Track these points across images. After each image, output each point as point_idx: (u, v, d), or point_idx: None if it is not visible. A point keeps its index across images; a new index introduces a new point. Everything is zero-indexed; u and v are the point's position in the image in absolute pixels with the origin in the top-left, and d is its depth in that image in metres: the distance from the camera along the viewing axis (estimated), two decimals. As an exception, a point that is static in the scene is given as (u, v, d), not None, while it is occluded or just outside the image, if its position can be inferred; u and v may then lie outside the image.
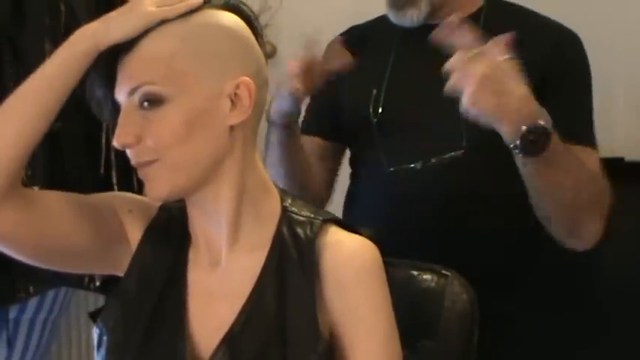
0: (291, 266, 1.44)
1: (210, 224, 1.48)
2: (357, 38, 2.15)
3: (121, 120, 1.41)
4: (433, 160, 1.95)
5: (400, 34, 2.07)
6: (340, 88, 2.09)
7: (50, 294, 2.42)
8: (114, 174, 2.46)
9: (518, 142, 1.68)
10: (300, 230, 1.46)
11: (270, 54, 2.99)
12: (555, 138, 1.71)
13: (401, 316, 1.57)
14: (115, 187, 2.45)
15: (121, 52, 1.42)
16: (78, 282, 2.42)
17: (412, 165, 1.96)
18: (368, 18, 2.22)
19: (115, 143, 1.41)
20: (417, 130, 1.97)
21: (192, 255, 1.51)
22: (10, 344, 2.34)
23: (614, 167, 2.44)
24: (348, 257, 1.44)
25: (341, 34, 2.18)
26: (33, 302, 2.36)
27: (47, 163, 2.27)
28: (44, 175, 2.25)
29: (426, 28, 1.99)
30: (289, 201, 1.51)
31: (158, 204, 1.54)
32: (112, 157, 2.45)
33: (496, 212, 1.96)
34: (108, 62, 1.43)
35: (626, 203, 2.54)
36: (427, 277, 1.68)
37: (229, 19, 1.46)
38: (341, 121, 2.12)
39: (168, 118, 1.39)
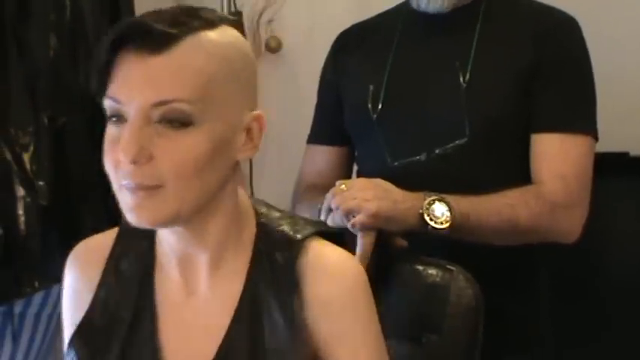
0: (269, 295, 1.34)
1: (191, 251, 1.36)
2: (356, 36, 2.15)
3: (132, 131, 1.23)
4: (437, 151, 1.95)
5: (400, 29, 2.07)
6: (341, 88, 2.10)
7: (55, 289, 2.41)
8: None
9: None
10: (278, 253, 1.36)
11: (275, 49, 2.99)
12: (455, 211, 1.78)
13: (406, 310, 1.58)
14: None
15: (147, 49, 1.25)
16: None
17: (417, 157, 1.96)
18: (372, 12, 2.22)
19: (124, 157, 1.24)
20: (419, 122, 1.98)
21: (160, 282, 1.40)
22: (16, 339, 2.34)
23: (619, 162, 2.45)
24: (332, 277, 1.35)
25: (341, 33, 2.19)
26: (38, 297, 2.35)
27: (52, 158, 2.26)
28: (49, 170, 2.25)
29: (427, 20, 2.00)
30: (264, 217, 1.41)
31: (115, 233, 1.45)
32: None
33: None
34: (116, 52, 1.27)
35: (630, 197, 2.54)
36: (432, 271, 1.68)
37: (245, 41, 1.37)
38: (344, 122, 2.12)
39: (193, 143, 1.25)
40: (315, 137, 2.18)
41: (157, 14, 1.30)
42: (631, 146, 2.55)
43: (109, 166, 1.28)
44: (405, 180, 1.83)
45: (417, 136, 1.97)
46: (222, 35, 1.30)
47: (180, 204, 1.26)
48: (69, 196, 2.32)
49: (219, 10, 2.79)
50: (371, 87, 2.03)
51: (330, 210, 1.78)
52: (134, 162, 1.23)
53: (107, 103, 1.27)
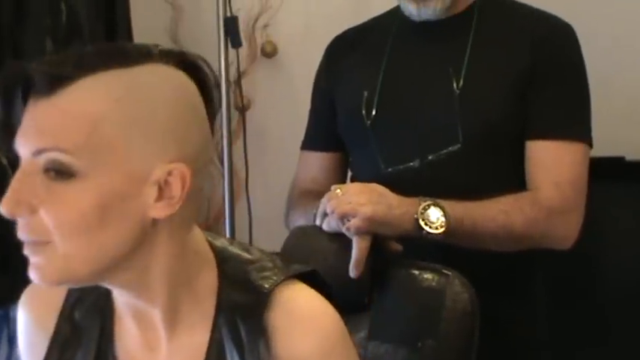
0: (236, 352, 1.23)
1: (140, 306, 1.24)
2: (350, 41, 2.15)
3: (14, 183, 1.13)
4: (430, 157, 1.95)
5: (394, 34, 2.07)
6: (335, 94, 2.10)
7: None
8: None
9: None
10: (243, 308, 1.24)
11: (270, 53, 3.00)
12: (450, 216, 1.78)
13: (402, 315, 1.58)
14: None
15: (35, 93, 1.13)
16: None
17: (410, 163, 1.96)
18: (367, 17, 2.22)
19: (2, 210, 1.13)
20: (412, 128, 1.98)
21: (119, 336, 1.28)
22: (12, 342, 2.34)
23: (615, 166, 2.46)
24: (305, 331, 1.22)
25: (335, 38, 2.19)
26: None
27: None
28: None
29: (421, 26, 2.00)
30: (228, 264, 1.27)
31: None
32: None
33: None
34: (10, 99, 1.15)
35: (626, 202, 2.54)
36: (428, 276, 1.68)
37: (178, 83, 1.19)
38: (338, 128, 2.12)
39: (77, 197, 1.11)
40: (309, 143, 2.18)
41: (65, 54, 1.17)
42: (627, 151, 2.55)
43: None
44: (399, 186, 1.83)
45: (411, 142, 1.97)
46: (135, 75, 1.16)
47: (70, 263, 1.14)
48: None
49: (215, 15, 2.80)
50: (365, 93, 2.03)
51: (325, 214, 1.78)
52: (13, 216, 1.14)
53: None
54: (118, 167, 1.13)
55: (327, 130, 2.14)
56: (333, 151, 2.14)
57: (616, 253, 2.54)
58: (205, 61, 1.23)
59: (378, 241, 1.75)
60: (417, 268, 1.70)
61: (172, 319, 1.24)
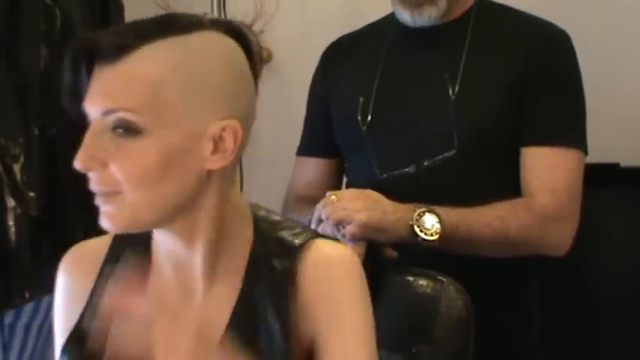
0: (266, 300, 1.34)
1: (184, 254, 1.36)
2: (345, 47, 2.15)
3: (86, 140, 1.27)
4: (426, 163, 1.95)
5: (389, 40, 2.08)
6: (331, 100, 2.10)
7: (46, 299, 2.41)
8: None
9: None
10: (275, 260, 1.36)
11: (266, 59, 2.99)
12: (445, 222, 1.80)
13: (397, 321, 1.58)
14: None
15: (101, 61, 1.27)
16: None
17: (406, 169, 1.96)
18: (363, 23, 2.22)
19: (76, 165, 1.26)
20: (408, 134, 1.98)
21: (155, 285, 1.40)
22: (6, 350, 2.33)
23: (610, 173, 2.45)
24: (328, 272, 1.35)
25: (330, 44, 2.19)
26: (28, 308, 2.35)
27: (42, 169, 2.26)
28: (39, 181, 2.25)
29: (417, 32, 2.00)
30: (262, 222, 1.40)
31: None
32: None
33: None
34: (78, 68, 1.29)
35: (621, 208, 2.54)
36: (423, 282, 1.68)
37: (228, 48, 1.32)
38: (333, 134, 2.12)
39: (142, 152, 1.25)
40: (305, 149, 2.18)
41: (126, 25, 1.34)
42: (621, 157, 2.55)
43: None
44: (394, 192, 1.83)
45: (406, 148, 1.97)
46: (190, 42, 1.29)
47: (136, 210, 1.27)
48: (59, 207, 2.31)
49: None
50: (360, 99, 2.03)
51: (320, 220, 1.78)
52: (86, 170, 1.27)
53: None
54: (177, 125, 1.26)
55: (322, 136, 2.14)
56: (329, 157, 2.14)
57: (610, 259, 2.54)
58: (249, 28, 1.37)
59: (374, 247, 1.75)
60: (412, 275, 1.70)
61: (210, 268, 1.36)
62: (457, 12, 2.03)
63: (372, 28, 2.18)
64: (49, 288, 2.39)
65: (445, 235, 1.78)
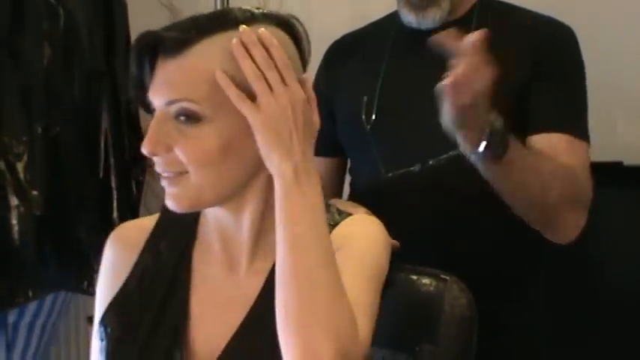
0: None
1: (232, 232, 1.48)
2: (348, 46, 2.15)
3: (153, 127, 1.37)
4: (431, 162, 1.94)
5: (392, 39, 2.07)
6: (334, 100, 2.10)
7: (49, 298, 2.42)
8: (113, 178, 2.46)
9: (479, 149, 1.72)
10: None
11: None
12: (514, 141, 1.74)
13: (400, 320, 1.58)
14: (115, 191, 2.45)
15: (165, 54, 1.38)
16: (77, 286, 2.42)
17: (411, 168, 1.96)
18: (367, 20, 2.22)
19: (144, 150, 1.38)
20: (413, 133, 1.98)
21: (198, 257, 1.51)
22: (9, 348, 2.34)
23: (613, 171, 2.45)
24: (354, 226, 1.49)
25: (333, 43, 2.19)
26: (32, 306, 2.36)
27: (46, 167, 2.27)
28: (42, 180, 2.25)
29: (420, 30, 2.00)
30: None
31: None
32: (111, 161, 2.46)
33: (497, 212, 1.95)
34: (142, 61, 1.41)
35: (624, 207, 2.54)
36: (426, 281, 1.68)
37: (278, 39, 1.38)
38: (337, 134, 2.12)
39: (204, 138, 1.36)
40: None
41: (185, 21, 1.42)
42: (625, 156, 2.55)
43: None
44: (399, 191, 1.82)
45: (411, 147, 1.97)
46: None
47: (200, 191, 1.39)
48: (63, 205, 2.32)
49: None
50: (364, 98, 2.03)
51: None
52: (155, 155, 1.38)
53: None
54: (235, 113, 1.34)
55: (325, 135, 2.14)
56: (332, 156, 2.14)
57: (614, 258, 2.54)
58: (298, 20, 1.48)
59: None
60: (415, 273, 1.69)
61: (255, 244, 1.46)
62: (461, 11, 2.03)
63: (374, 27, 2.18)
64: (52, 287, 2.41)
65: (509, 151, 1.74)
